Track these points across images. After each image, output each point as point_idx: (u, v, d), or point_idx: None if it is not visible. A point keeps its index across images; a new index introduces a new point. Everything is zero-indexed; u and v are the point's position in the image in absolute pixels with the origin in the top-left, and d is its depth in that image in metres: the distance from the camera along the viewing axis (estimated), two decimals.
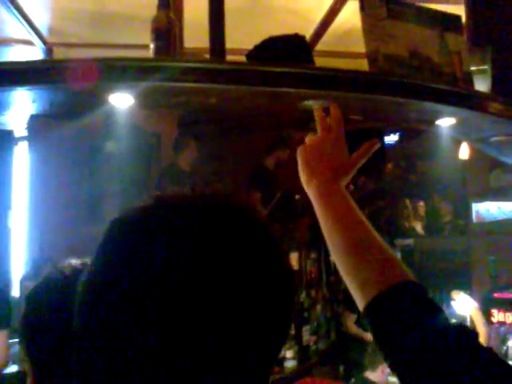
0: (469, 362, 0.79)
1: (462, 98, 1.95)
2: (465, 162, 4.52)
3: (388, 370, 0.90)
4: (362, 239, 0.96)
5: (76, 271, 0.97)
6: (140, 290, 0.58)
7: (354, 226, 0.98)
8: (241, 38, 2.65)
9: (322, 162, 1.07)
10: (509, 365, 0.80)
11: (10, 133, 2.75)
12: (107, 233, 0.64)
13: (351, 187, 4.16)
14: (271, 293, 0.63)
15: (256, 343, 0.62)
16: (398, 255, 4.76)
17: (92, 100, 1.86)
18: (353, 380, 3.23)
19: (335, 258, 0.98)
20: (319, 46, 4.21)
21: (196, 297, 0.58)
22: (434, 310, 0.86)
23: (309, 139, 1.13)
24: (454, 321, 0.91)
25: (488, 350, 0.81)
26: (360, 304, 0.91)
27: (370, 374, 3.11)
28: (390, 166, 5.81)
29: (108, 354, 0.59)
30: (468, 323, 3.50)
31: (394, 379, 0.91)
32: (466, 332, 0.84)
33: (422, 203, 5.56)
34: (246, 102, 1.94)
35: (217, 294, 0.58)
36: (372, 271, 0.91)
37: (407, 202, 5.40)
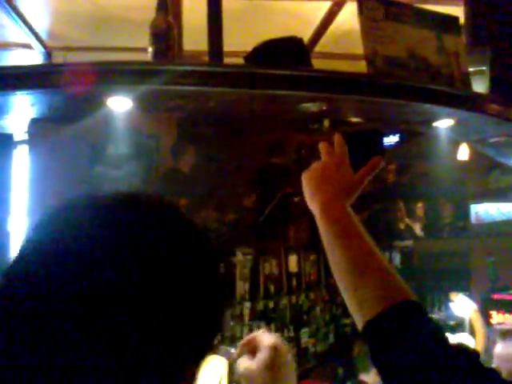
0: (470, 383, 0.78)
1: (460, 99, 1.95)
2: (464, 162, 4.51)
3: None
4: (364, 258, 0.96)
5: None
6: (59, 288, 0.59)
7: (356, 244, 0.98)
8: (239, 40, 2.66)
9: (326, 181, 1.08)
10: None
11: (9, 136, 2.75)
12: (32, 230, 0.66)
13: None
14: (193, 291, 0.62)
15: (171, 340, 0.60)
16: (398, 257, 4.76)
17: (91, 103, 1.87)
18: (348, 383, 3.22)
19: (336, 275, 0.98)
20: (318, 48, 4.21)
21: (113, 294, 0.58)
22: (433, 331, 0.85)
23: (313, 165, 1.14)
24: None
25: (490, 371, 0.80)
26: (359, 324, 0.90)
27: (364, 377, 3.09)
28: (389, 167, 5.80)
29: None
30: (467, 325, 3.49)
31: None
32: (466, 353, 0.82)
33: (420, 204, 5.54)
34: (244, 105, 1.95)
35: (137, 290, 0.58)
36: (371, 291, 0.90)
37: (400, 203, 5.39)
